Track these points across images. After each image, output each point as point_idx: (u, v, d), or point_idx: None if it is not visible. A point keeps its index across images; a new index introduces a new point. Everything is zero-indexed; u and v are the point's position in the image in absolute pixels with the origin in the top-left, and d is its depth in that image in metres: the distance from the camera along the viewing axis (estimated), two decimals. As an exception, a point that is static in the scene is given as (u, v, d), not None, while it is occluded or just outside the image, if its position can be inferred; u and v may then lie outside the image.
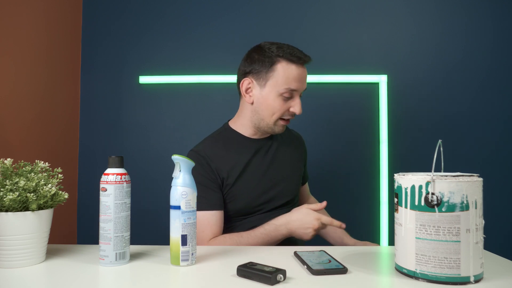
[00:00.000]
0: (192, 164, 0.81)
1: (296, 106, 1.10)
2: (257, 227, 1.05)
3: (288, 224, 1.02)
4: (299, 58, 1.08)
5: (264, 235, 1.03)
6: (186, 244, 0.77)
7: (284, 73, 1.07)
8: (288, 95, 1.09)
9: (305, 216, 1.01)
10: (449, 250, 0.64)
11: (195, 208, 0.80)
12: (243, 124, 1.18)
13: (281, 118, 1.12)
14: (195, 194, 0.80)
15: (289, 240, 1.08)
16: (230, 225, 1.13)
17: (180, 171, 0.79)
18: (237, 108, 1.21)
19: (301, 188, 1.34)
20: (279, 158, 1.20)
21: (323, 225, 1.01)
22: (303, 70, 1.10)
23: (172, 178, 0.80)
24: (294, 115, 1.13)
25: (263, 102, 1.10)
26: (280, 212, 1.11)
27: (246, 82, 1.13)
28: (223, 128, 1.22)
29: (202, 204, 1.07)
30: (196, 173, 1.11)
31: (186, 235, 0.77)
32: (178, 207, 0.77)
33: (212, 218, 1.08)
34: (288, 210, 1.11)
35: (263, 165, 1.17)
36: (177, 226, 0.77)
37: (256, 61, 1.10)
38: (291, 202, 1.21)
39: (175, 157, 0.79)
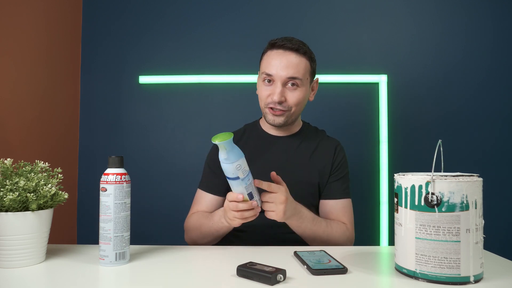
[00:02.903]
0: (231, 136, 0.82)
1: (272, 92, 1.09)
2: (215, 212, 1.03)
3: (223, 217, 0.97)
4: (275, 43, 1.11)
5: (213, 222, 1.00)
6: (253, 198, 0.88)
7: (264, 59, 1.14)
8: (269, 80, 1.11)
9: (225, 212, 0.93)
10: (449, 250, 0.64)
11: (249, 170, 0.86)
12: (263, 118, 1.23)
13: (269, 108, 1.11)
14: (244, 159, 0.84)
15: (289, 240, 1.08)
16: None
17: (225, 150, 0.82)
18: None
19: (323, 202, 1.15)
20: (291, 161, 1.15)
21: (237, 212, 0.90)
22: (283, 56, 1.08)
23: (222, 158, 0.83)
24: (280, 104, 1.08)
25: (258, 91, 1.17)
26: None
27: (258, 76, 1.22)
28: (253, 121, 1.28)
29: (201, 183, 1.19)
30: (210, 154, 1.22)
31: (251, 192, 0.87)
32: (237, 178, 0.84)
33: (202, 197, 1.16)
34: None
35: (273, 162, 1.14)
36: (241, 190, 0.86)
37: None
38: None
39: (217, 143, 0.80)
